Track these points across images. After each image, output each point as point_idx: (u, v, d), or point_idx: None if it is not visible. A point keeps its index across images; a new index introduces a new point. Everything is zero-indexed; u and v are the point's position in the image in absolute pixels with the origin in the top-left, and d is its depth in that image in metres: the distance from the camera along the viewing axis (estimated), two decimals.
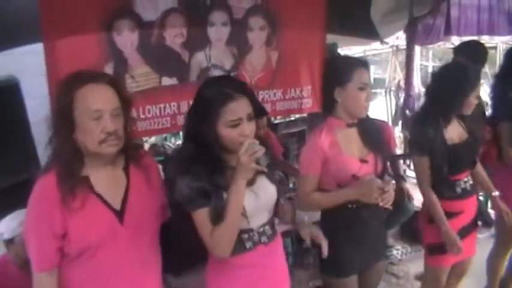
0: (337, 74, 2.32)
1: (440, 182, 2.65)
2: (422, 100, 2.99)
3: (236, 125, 1.78)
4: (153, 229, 1.88)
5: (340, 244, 2.33)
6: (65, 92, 1.64)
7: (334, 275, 2.42)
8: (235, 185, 1.77)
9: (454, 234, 2.61)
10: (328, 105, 2.39)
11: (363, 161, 2.32)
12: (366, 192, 2.21)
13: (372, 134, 2.39)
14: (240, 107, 1.79)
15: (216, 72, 3.35)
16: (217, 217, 1.79)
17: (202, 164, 1.80)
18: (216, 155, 1.86)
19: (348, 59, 2.56)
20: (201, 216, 1.80)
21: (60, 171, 1.65)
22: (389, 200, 2.21)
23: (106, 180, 1.74)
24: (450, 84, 2.58)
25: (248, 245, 1.92)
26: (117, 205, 1.74)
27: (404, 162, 6.12)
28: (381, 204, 2.20)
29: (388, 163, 4.82)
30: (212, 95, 1.82)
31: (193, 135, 1.85)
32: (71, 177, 1.65)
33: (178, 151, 2.00)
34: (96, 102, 1.63)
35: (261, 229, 1.96)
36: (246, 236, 1.92)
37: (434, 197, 2.62)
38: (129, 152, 1.81)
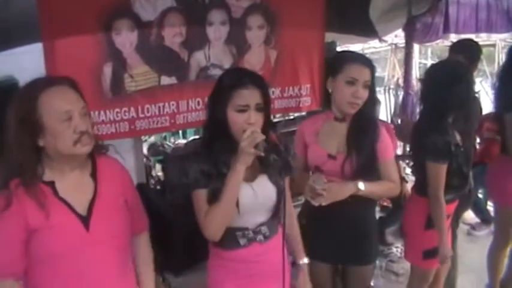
0: (332, 64, 2.39)
1: (450, 187, 2.63)
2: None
3: (243, 111, 1.85)
4: (124, 234, 1.84)
5: (314, 229, 2.44)
6: (26, 100, 1.60)
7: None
8: (233, 169, 1.83)
9: (450, 248, 2.67)
10: (326, 97, 2.45)
11: (331, 156, 2.34)
12: (305, 188, 2.30)
13: (359, 135, 2.35)
14: (250, 95, 1.86)
15: (215, 72, 3.33)
16: (214, 199, 1.86)
17: (212, 145, 1.91)
18: (226, 138, 1.90)
19: (348, 52, 2.59)
20: (199, 196, 1.89)
21: (25, 181, 1.61)
22: (322, 201, 2.23)
23: (73, 186, 1.70)
24: (454, 83, 2.55)
25: (242, 242, 1.98)
26: (83, 210, 1.70)
27: (403, 161, 6.12)
28: (312, 201, 2.26)
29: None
30: (228, 79, 1.92)
31: (210, 119, 1.95)
32: (36, 183, 1.62)
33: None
34: (64, 103, 1.61)
35: (258, 228, 1.99)
36: (240, 233, 1.97)
37: (444, 206, 2.59)
38: (94, 154, 1.78)
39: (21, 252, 1.65)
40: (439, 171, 2.55)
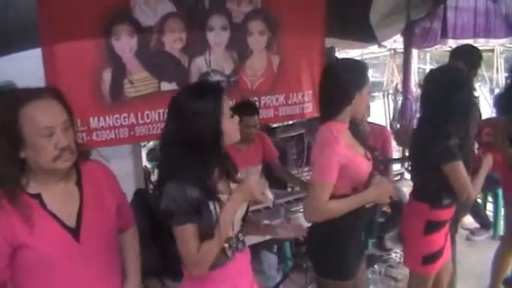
0: (358, 77, 2.27)
1: (447, 192, 2.62)
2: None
3: (233, 115, 1.83)
4: (112, 237, 1.83)
5: (343, 246, 2.35)
6: (6, 111, 1.55)
7: (335, 278, 2.39)
8: (233, 203, 1.79)
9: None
10: (335, 108, 2.31)
11: (368, 158, 2.34)
12: (384, 193, 2.24)
13: (362, 135, 2.45)
14: (227, 99, 1.85)
15: (216, 77, 3.33)
16: (206, 233, 1.75)
17: (194, 170, 1.75)
18: (218, 154, 1.84)
19: (359, 63, 2.55)
20: (189, 231, 1.73)
21: (8, 193, 1.58)
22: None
23: (59, 197, 1.67)
24: (455, 89, 2.56)
25: (229, 253, 1.88)
26: (72, 222, 1.68)
27: (402, 165, 6.13)
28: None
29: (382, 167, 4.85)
30: (207, 94, 1.81)
31: (183, 141, 1.77)
32: (19, 195, 1.59)
33: (165, 159, 1.89)
34: (46, 119, 1.56)
35: (238, 235, 1.93)
36: (226, 245, 1.86)
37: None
38: (78, 162, 1.73)
39: (5, 264, 1.62)
40: (458, 167, 2.52)
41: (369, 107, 2.37)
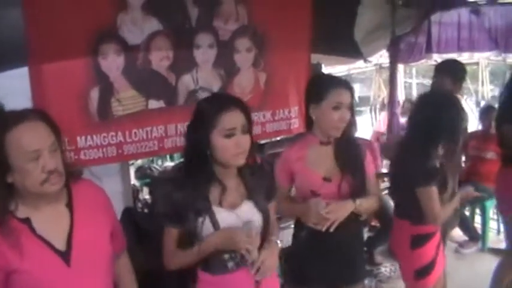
0: (313, 91, 2.37)
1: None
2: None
3: (231, 135, 1.80)
4: (105, 258, 1.81)
5: (306, 253, 2.44)
6: None
7: (295, 283, 2.53)
8: (212, 246, 1.84)
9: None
10: (308, 121, 2.45)
11: (326, 179, 2.34)
12: (304, 214, 2.31)
13: (348, 155, 2.39)
14: (235, 118, 1.82)
15: (204, 95, 3.23)
16: (187, 240, 1.86)
17: (192, 176, 1.84)
18: (208, 167, 1.86)
19: (326, 77, 2.60)
20: (170, 234, 1.90)
21: None
22: (327, 224, 2.23)
23: (49, 220, 1.65)
24: (445, 109, 2.58)
25: (230, 265, 1.90)
26: (62, 246, 1.66)
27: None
28: (316, 227, 2.26)
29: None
30: (208, 104, 1.86)
31: (190, 148, 1.89)
32: (8, 221, 1.57)
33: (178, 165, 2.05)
34: (33, 142, 1.54)
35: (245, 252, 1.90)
36: (227, 256, 1.90)
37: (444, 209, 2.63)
38: (69, 183, 1.73)
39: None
40: (431, 194, 2.55)
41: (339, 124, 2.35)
